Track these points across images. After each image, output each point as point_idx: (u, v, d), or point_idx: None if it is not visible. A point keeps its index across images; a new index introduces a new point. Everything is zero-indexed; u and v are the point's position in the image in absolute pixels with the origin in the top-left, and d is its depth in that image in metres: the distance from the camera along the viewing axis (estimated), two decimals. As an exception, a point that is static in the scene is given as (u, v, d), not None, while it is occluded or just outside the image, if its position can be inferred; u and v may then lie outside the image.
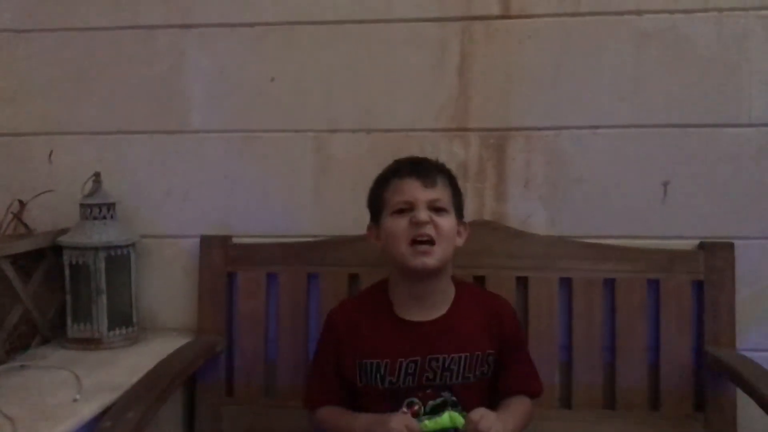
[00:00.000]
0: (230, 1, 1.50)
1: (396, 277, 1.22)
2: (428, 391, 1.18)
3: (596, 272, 1.41)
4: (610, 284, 1.41)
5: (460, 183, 1.27)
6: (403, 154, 1.28)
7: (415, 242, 1.14)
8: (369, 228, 1.25)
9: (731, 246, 1.39)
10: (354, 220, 1.37)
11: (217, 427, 1.44)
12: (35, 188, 1.54)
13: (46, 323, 1.46)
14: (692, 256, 1.40)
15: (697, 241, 1.43)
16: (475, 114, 1.47)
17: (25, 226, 1.53)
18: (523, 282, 1.42)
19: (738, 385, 1.29)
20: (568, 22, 1.45)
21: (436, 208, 1.16)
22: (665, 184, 1.44)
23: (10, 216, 1.53)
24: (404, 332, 1.20)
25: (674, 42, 1.43)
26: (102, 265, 1.41)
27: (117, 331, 1.44)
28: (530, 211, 1.48)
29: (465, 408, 1.14)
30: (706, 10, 1.42)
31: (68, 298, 1.43)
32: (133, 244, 1.47)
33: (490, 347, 1.20)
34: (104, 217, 1.43)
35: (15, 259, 1.37)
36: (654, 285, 1.40)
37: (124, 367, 1.31)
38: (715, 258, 1.39)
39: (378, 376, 1.19)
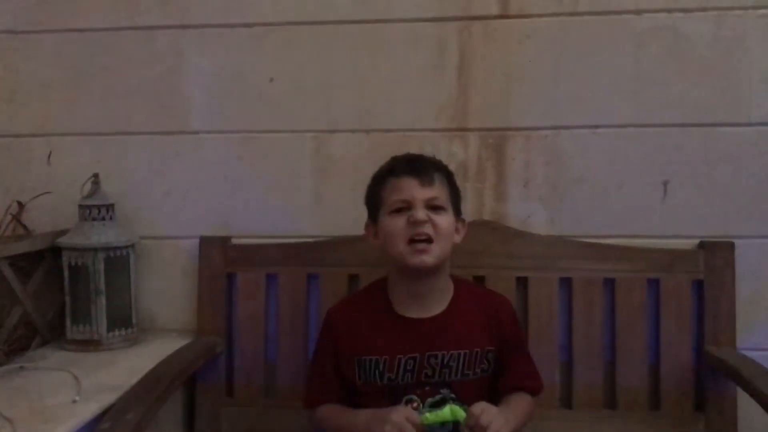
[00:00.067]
0: (229, 1, 1.50)
1: (395, 275, 1.22)
2: (427, 388, 1.18)
3: (596, 272, 1.41)
4: (610, 284, 1.41)
5: (460, 183, 1.27)
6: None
7: (413, 241, 1.14)
8: (367, 226, 1.25)
9: (731, 245, 1.39)
10: (354, 220, 1.36)
11: (217, 428, 1.44)
12: (34, 189, 1.54)
13: (46, 324, 1.46)
14: (692, 255, 1.40)
15: (697, 241, 1.43)
16: (474, 114, 1.47)
17: (24, 227, 1.53)
18: (523, 282, 1.42)
19: (738, 385, 1.29)
20: (567, 21, 1.45)
21: (433, 207, 1.16)
22: (665, 184, 1.44)
23: (9, 217, 1.53)
24: (403, 329, 1.20)
25: (673, 41, 1.43)
26: (101, 266, 1.41)
27: (116, 333, 1.44)
28: (530, 211, 1.47)
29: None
30: (705, 10, 1.42)
31: (67, 299, 1.43)
32: (132, 245, 1.47)
33: (489, 344, 1.20)
34: (103, 218, 1.43)
35: (14, 261, 1.37)
36: (654, 285, 1.40)
37: (124, 368, 1.30)
38: (715, 257, 1.39)
39: (377, 372, 1.19)
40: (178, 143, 1.53)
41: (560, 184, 1.47)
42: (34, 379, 1.25)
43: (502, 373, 1.22)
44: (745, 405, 1.30)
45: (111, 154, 1.54)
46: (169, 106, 1.53)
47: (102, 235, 1.41)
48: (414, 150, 1.34)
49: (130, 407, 1.08)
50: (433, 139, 1.47)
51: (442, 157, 1.32)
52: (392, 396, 1.18)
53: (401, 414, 1.07)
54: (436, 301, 1.21)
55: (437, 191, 1.17)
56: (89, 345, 1.41)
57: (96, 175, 1.45)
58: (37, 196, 1.53)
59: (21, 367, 1.30)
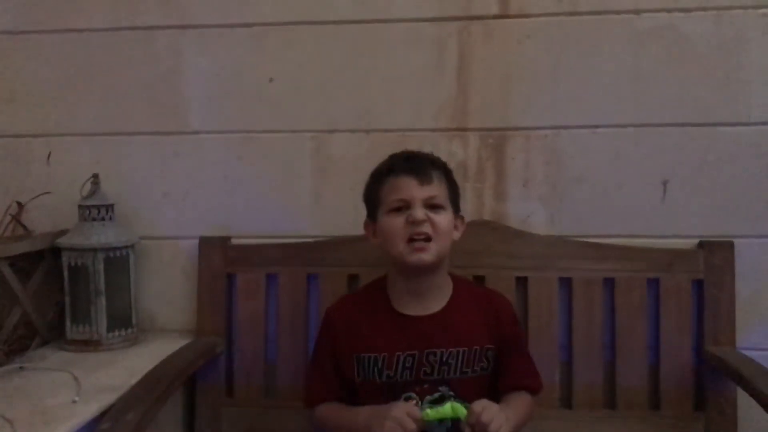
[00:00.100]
0: (229, 1, 1.50)
1: (394, 273, 1.22)
2: (426, 386, 1.18)
3: (596, 272, 1.41)
4: (609, 284, 1.41)
5: (460, 183, 1.27)
6: (402, 154, 1.28)
7: (412, 240, 1.14)
8: (365, 225, 1.25)
9: (731, 245, 1.39)
10: (353, 220, 1.36)
11: (217, 428, 1.44)
12: (34, 190, 1.54)
13: (45, 325, 1.46)
14: (692, 255, 1.40)
15: (696, 240, 1.43)
16: (474, 114, 1.47)
17: (24, 227, 1.53)
18: (522, 282, 1.42)
19: (738, 384, 1.29)
20: (566, 21, 1.45)
21: (432, 206, 1.16)
22: (665, 184, 1.44)
23: (9, 218, 1.52)
24: (402, 327, 1.20)
25: (673, 41, 1.43)
26: (101, 267, 1.41)
27: (116, 333, 1.44)
28: (530, 211, 1.47)
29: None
30: (704, 9, 1.42)
31: (67, 299, 1.43)
32: (132, 246, 1.47)
33: (488, 342, 1.20)
34: (103, 219, 1.43)
35: (14, 261, 1.37)
36: (654, 284, 1.40)
37: (124, 368, 1.30)
38: (715, 257, 1.39)
39: (375, 369, 1.19)
40: (178, 143, 1.53)
41: (560, 184, 1.47)
42: (34, 380, 1.25)
43: (502, 372, 1.22)
44: (745, 405, 1.31)
45: (111, 155, 1.54)
46: (169, 106, 1.53)
47: (102, 235, 1.41)
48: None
49: (130, 407, 1.08)
50: (432, 138, 1.47)
51: (442, 156, 1.31)
52: (391, 393, 1.18)
53: (402, 410, 1.07)
54: (435, 299, 1.22)
55: (436, 190, 1.17)
56: (89, 345, 1.41)
57: (96, 176, 1.45)
58: (37, 196, 1.53)
59: (21, 368, 1.30)
